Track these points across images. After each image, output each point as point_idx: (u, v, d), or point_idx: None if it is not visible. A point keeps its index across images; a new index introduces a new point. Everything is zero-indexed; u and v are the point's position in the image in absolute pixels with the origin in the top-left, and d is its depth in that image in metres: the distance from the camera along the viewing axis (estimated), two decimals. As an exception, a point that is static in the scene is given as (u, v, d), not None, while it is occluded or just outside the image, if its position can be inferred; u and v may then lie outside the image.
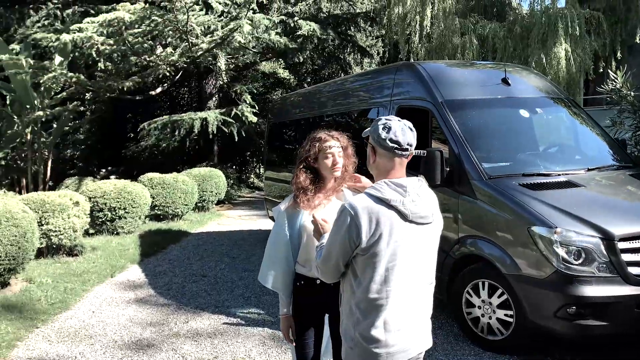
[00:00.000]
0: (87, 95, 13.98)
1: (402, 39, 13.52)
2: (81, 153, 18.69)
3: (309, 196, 2.51)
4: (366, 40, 22.42)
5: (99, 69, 12.17)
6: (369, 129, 2.05)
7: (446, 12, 12.19)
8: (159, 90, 12.68)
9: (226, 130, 13.16)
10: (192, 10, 10.52)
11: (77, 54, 11.82)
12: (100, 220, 8.90)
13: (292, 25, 13.82)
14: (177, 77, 12.66)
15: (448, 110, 4.41)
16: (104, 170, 17.47)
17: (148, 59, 11.02)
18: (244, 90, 13.43)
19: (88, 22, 9.40)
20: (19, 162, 12.79)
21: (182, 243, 8.83)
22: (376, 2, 18.22)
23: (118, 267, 7.02)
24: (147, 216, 10.22)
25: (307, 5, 18.19)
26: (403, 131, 1.97)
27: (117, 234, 8.99)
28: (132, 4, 9.74)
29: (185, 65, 11.99)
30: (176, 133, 13.68)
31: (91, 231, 9.05)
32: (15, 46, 12.04)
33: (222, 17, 11.33)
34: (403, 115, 4.94)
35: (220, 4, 9.74)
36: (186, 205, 10.76)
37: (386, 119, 2.01)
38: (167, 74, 11.84)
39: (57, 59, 11.54)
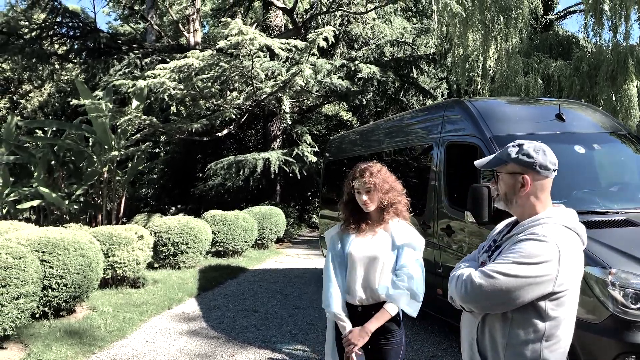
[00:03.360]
0: (162, 138, 14.94)
1: (464, 80, 13.44)
2: (154, 192, 19.81)
3: (353, 225, 2.65)
4: (430, 82, 22.46)
5: (172, 112, 13.01)
6: (503, 156, 1.82)
7: (509, 52, 12.03)
8: (225, 132, 13.30)
9: (287, 169, 13.48)
10: (257, 57, 11.08)
11: (152, 98, 12.75)
12: (163, 254, 9.28)
13: (352, 68, 14.15)
14: (243, 119, 13.23)
15: (497, 146, 4.31)
16: (174, 208, 18.35)
17: (216, 103, 11.64)
18: (305, 131, 13.80)
19: (160, 69, 10.13)
20: (96, 199, 13.73)
21: (239, 279, 9.00)
22: (440, 45, 18.32)
23: (176, 299, 7.25)
24: (208, 252, 10.57)
25: (369, 50, 18.60)
26: (544, 152, 1.81)
27: (179, 268, 9.32)
28: (201, 51, 10.44)
29: (250, 109, 12.53)
30: (241, 173, 14.17)
31: (155, 265, 9.45)
32: (99, 92, 13.17)
33: (286, 62, 11.83)
34: (452, 151, 4.92)
35: (283, 50, 10.19)
36: (246, 242, 11.00)
37: (525, 142, 1.84)
38: (233, 116, 12.41)
39: (134, 103, 12.49)
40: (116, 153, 11.14)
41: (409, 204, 2.74)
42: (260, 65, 11.86)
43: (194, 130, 11.68)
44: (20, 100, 28.56)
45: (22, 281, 4.54)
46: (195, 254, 9.50)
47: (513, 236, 1.76)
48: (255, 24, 18.21)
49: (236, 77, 11.22)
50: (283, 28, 17.10)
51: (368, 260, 2.56)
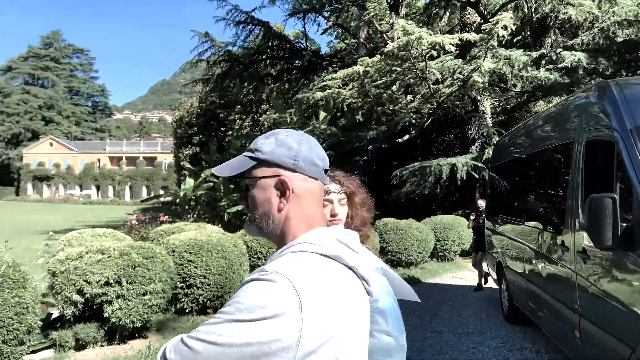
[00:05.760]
0: (356, 145, 15.33)
1: None
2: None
3: None
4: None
5: (358, 120, 13.25)
6: (250, 153, 1.16)
7: None
8: (406, 137, 12.91)
9: (477, 175, 12.35)
10: (434, 57, 10.46)
11: (342, 109, 13.17)
12: (331, 261, 9.43)
13: (553, 57, 12.22)
14: (427, 123, 12.65)
15: (638, 140, 3.09)
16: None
17: (392, 108, 11.40)
18: (492, 132, 12.42)
19: (328, 79, 10.38)
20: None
21: (400, 292, 8.53)
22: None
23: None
24: (386, 262, 10.40)
25: (591, 34, 15.85)
26: (318, 143, 1.20)
27: (344, 275, 9.34)
28: (370, 57, 10.35)
29: (430, 111, 11.92)
30: (429, 180, 13.56)
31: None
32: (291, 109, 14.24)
33: (467, 58, 10.90)
34: (591, 151, 3.73)
35: (452, 45, 9.38)
36: (420, 252, 10.43)
37: (281, 132, 1.19)
38: (413, 121, 11.98)
39: (322, 114, 13.11)
40: (297, 162, 11.83)
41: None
42: (442, 64, 11.18)
43: (369, 137, 11.63)
44: (260, 119, 32.97)
45: (147, 279, 5.07)
46: (361, 263, 9.40)
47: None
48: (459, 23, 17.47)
49: (411, 80, 10.78)
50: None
51: None
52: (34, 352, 4.97)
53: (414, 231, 10.34)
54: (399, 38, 9.46)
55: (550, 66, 12.85)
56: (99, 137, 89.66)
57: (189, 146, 35.57)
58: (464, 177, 12.49)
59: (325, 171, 1.19)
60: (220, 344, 0.93)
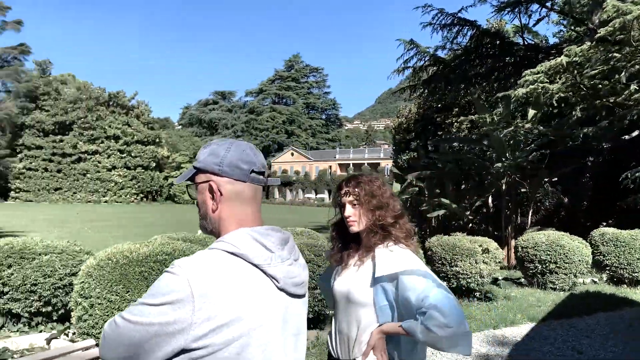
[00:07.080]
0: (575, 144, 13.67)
1: None
2: (587, 205, 18.11)
3: (335, 252, 2.13)
4: None
5: (575, 116, 11.85)
6: (194, 162, 1.34)
7: None
8: (635, 133, 10.87)
9: None
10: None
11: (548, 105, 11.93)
12: (531, 271, 8.68)
13: None
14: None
15: None
16: (604, 223, 16.26)
17: (612, 101, 9.85)
18: None
19: (528, 74, 9.51)
20: (505, 210, 13.91)
21: (612, 312, 7.37)
22: None
23: (508, 321, 6.75)
24: (608, 278, 9.18)
25: None
26: (252, 149, 1.33)
27: (545, 288, 8.49)
28: (578, 46, 9.12)
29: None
30: (672, 183, 11.28)
31: (522, 281, 8.96)
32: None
33: None
34: None
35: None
36: (648, 269, 8.78)
37: (216, 141, 1.35)
38: (644, 113, 10.13)
39: (530, 112, 12.07)
40: (499, 165, 11.13)
41: (412, 229, 1.98)
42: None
43: (585, 135, 10.24)
44: (479, 120, 31.80)
45: (317, 275, 5.52)
46: (567, 276, 8.41)
47: None
48: None
49: (637, 67, 9.17)
50: None
51: (345, 301, 1.97)
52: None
53: (638, 243, 8.76)
54: (611, 20, 8.17)
55: None
56: (331, 146, 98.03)
57: (407, 152, 36.32)
58: None
59: (262, 173, 1.32)
60: (132, 322, 1.13)
